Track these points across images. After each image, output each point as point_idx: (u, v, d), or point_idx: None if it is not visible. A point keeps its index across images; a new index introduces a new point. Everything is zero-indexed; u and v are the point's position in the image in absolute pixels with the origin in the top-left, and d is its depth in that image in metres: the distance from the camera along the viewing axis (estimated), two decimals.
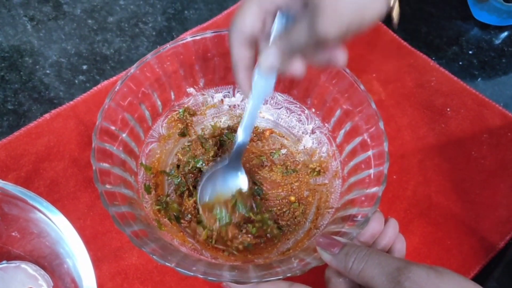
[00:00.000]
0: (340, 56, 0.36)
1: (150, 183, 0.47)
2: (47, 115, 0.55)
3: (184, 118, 0.52)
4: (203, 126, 0.54)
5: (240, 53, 0.38)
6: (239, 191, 0.46)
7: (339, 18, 0.31)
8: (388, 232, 0.40)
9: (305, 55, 0.36)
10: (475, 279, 0.49)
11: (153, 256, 0.36)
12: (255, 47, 0.38)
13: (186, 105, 0.52)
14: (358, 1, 0.31)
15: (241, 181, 0.47)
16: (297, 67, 0.36)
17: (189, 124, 0.53)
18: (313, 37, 0.32)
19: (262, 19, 0.36)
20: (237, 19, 0.37)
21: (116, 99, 0.44)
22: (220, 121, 0.55)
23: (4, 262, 0.43)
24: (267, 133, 0.54)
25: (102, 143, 0.41)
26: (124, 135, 0.45)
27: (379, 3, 0.31)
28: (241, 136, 0.43)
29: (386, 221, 0.41)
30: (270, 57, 0.36)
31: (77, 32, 0.64)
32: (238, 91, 0.54)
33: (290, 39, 0.34)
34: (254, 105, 0.41)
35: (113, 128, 0.43)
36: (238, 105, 0.55)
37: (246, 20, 0.36)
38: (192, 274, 0.35)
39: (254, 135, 0.53)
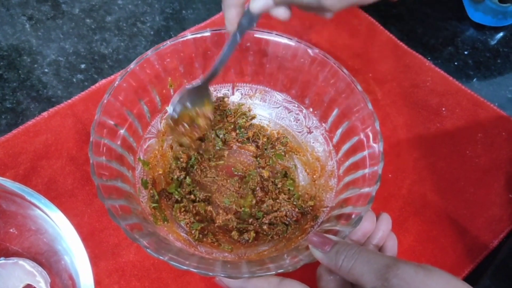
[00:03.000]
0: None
1: (147, 178, 0.48)
2: (45, 114, 0.55)
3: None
4: None
5: None
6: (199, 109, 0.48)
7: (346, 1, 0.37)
8: (382, 226, 0.40)
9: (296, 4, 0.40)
10: (469, 277, 0.50)
11: (147, 250, 0.36)
12: None
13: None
14: None
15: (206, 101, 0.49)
16: (283, 12, 0.40)
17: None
18: (316, 4, 0.38)
19: None
20: None
21: (115, 94, 0.44)
22: None
23: (2, 258, 0.43)
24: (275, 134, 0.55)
25: (100, 137, 0.42)
26: (122, 130, 0.45)
27: None
28: (216, 63, 0.46)
29: (378, 216, 0.41)
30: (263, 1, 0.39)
31: (76, 31, 0.65)
32: (237, 90, 0.55)
33: None
34: (236, 39, 0.44)
35: (111, 122, 0.44)
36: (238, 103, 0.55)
37: None
38: (185, 268, 0.35)
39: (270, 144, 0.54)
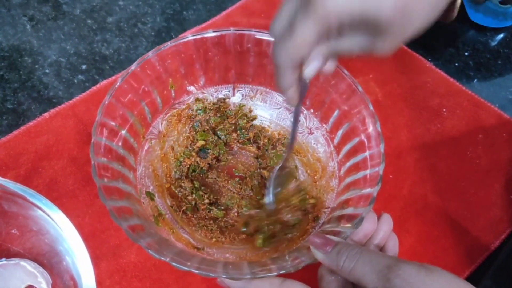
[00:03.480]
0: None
1: (151, 190, 0.48)
2: (46, 114, 0.55)
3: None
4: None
5: (292, 74, 0.37)
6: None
7: (401, 38, 0.34)
8: (383, 227, 0.40)
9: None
10: (471, 277, 0.50)
11: (149, 251, 0.36)
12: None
13: (186, 103, 0.53)
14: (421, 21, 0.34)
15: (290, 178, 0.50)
16: (331, 66, 0.38)
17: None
18: (368, 51, 0.34)
19: (319, 38, 0.34)
20: (292, 44, 0.34)
21: (116, 95, 0.44)
22: None
23: (3, 259, 0.43)
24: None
25: (101, 138, 0.42)
26: (123, 131, 0.45)
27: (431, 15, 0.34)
28: (291, 140, 0.45)
29: (379, 216, 0.41)
30: (315, 65, 0.36)
31: (77, 32, 0.65)
32: (238, 91, 0.55)
33: (339, 47, 0.35)
34: (299, 110, 0.44)
35: (112, 123, 0.44)
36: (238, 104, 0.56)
37: (304, 47, 0.34)
38: (187, 269, 0.35)
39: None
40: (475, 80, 0.66)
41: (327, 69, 0.39)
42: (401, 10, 0.32)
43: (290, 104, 0.41)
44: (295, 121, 0.44)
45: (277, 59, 0.36)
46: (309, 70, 0.37)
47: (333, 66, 0.39)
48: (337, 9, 0.32)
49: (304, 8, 0.33)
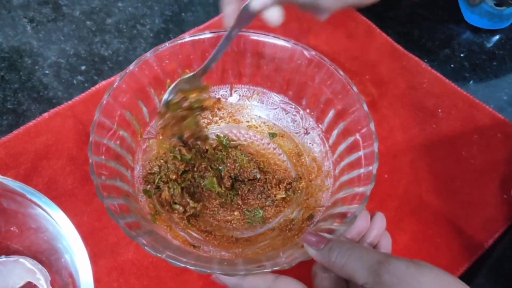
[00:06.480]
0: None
1: (149, 188, 0.48)
2: (45, 115, 0.56)
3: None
4: None
5: None
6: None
7: (343, 1, 0.40)
8: (376, 225, 0.41)
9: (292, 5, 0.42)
10: (464, 276, 0.50)
11: (145, 247, 0.36)
12: None
13: None
14: None
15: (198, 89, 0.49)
16: (277, 14, 0.43)
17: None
18: (311, 4, 0.40)
19: None
20: None
21: (114, 95, 0.45)
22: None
23: (2, 256, 0.43)
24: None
25: (99, 137, 0.43)
26: (121, 130, 0.46)
27: None
28: (211, 56, 0.47)
29: (372, 215, 0.42)
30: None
31: (76, 33, 0.66)
32: (235, 91, 0.55)
33: None
34: (233, 34, 0.45)
35: (110, 123, 0.45)
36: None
37: None
38: (183, 265, 0.36)
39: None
40: (471, 81, 0.67)
41: (273, 17, 0.43)
42: None
43: (224, 22, 0.45)
44: (223, 43, 0.45)
45: None
46: (254, 1, 0.42)
47: (280, 17, 0.43)
48: None
49: None
